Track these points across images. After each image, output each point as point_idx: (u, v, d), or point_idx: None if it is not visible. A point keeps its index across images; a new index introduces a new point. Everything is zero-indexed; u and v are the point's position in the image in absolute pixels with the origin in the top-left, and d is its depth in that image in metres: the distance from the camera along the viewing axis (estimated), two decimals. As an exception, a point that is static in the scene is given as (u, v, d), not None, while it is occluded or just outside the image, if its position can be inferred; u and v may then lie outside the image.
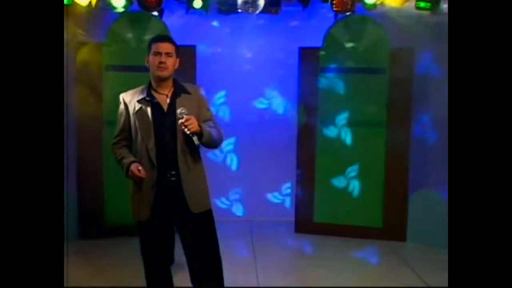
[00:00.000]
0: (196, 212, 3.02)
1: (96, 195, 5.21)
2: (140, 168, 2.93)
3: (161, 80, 3.01)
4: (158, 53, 2.97)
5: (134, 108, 3.01)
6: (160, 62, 2.96)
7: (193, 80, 4.97)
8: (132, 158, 3.00)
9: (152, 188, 2.98)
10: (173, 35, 4.79)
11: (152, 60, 2.98)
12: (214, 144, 3.09)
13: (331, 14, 5.25)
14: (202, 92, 3.14)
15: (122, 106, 3.09)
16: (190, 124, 2.88)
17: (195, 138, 2.88)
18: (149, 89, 3.06)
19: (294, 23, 5.57)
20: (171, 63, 3.00)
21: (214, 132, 3.03)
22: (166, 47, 3.00)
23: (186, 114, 2.91)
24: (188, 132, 2.88)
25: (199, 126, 2.92)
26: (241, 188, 5.93)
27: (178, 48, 3.08)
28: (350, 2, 5.11)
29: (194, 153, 3.04)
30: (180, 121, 2.89)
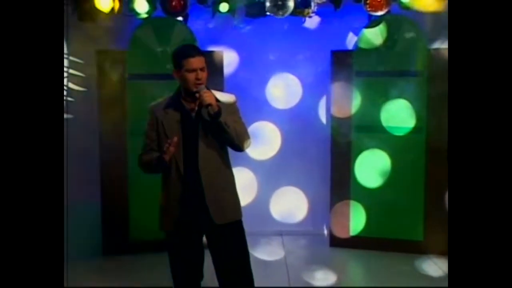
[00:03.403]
0: (220, 224, 2.97)
1: (120, 208, 5.11)
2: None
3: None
4: (193, 70, 2.94)
5: (164, 119, 3.00)
6: (197, 79, 2.94)
7: (220, 86, 4.87)
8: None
9: (178, 198, 2.96)
10: (199, 40, 4.94)
11: (187, 77, 2.94)
12: (234, 133, 2.94)
13: (365, 15, 5.06)
14: (233, 100, 3.09)
15: (151, 117, 3.07)
16: (206, 96, 2.87)
17: (210, 108, 2.84)
18: (178, 98, 3.03)
19: (326, 25, 5.37)
20: (205, 76, 2.98)
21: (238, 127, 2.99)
22: (199, 62, 2.96)
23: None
24: (204, 104, 2.86)
25: (218, 107, 2.88)
26: (271, 199, 5.75)
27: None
28: (384, 2, 4.90)
29: (221, 160, 3.01)
30: (196, 94, 2.90)
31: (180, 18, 5.04)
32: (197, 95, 2.93)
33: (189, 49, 3.05)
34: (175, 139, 2.88)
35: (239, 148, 3.04)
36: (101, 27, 4.88)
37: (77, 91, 5.11)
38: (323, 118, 5.56)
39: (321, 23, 5.31)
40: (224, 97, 3.08)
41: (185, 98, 3.02)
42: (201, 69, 2.96)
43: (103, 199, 5.09)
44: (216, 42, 5.19)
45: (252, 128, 3.38)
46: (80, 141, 4.82)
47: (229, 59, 5.35)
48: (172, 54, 3.06)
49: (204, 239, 3.12)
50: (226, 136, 2.94)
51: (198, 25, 5.17)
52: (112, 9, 4.80)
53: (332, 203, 5.27)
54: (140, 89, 4.93)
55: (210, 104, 2.88)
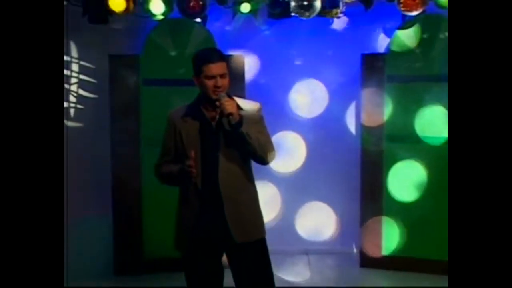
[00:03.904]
0: (241, 242, 2.91)
1: (134, 224, 4.96)
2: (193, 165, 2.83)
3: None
4: (212, 77, 2.87)
5: (182, 128, 2.96)
6: (216, 87, 2.86)
7: (242, 92, 4.73)
8: (182, 165, 2.89)
9: (196, 214, 2.92)
10: (219, 43, 4.80)
11: (206, 84, 2.88)
12: (256, 144, 2.87)
13: (398, 15, 4.85)
14: (257, 108, 3.02)
15: (169, 125, 3.02)
16: (228, 105, 2.80)
17: (231, 118, 2.79)
18: (198, 105, 2.97)
19: (355, 26, 5.17)
20: (226, 83, 2.91)
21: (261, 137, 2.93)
22: (219, 68, 2.88)
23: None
24: (225, 113, 2.80)
25: (240, 116, 2.82)
26: (296, 215, 5.57)
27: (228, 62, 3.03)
28: (420, 1, 4.65)
29: (242, 174, 2.95)
30: (217, 102, 2.84)
31: (198, 20, 4.93)
32: (217, 103, 2.85)
33: (209, 54, 2.96)
34: (192, 154, 2.82)
35: (263, 161, 2.96)
36: (114, 29, 4.82)
37: (88, 98, 5.05)
38: (352, 127, 5.39)
39: (350, 24, 5.19)
40: (248, 104, 2.99)
41: (205, 106, 2.95)
42: (222, 76, 2.88)
43: (115, 214, 4.94)
44: (236, 45, 5.08)
45: (275, 138, 3.15)
46: (90, 152, 4.83)
47: (251, 63, 5.24)
48: (192, 58, 2.99)
49: (224, 257, 3.06)
50: (249, 147, 2.87)
51: (218, 27, 5.06)
52: (126, 10, 4.68)
53: (363, 219, 5.08)
54: (155, 96, 4.85)
55: (231, 114, 2.81)
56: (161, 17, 4.82)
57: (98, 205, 4.88)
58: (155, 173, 3.07)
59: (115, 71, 4.86)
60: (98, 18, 4.65)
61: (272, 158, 2.99)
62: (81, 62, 4.98)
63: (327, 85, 5.42)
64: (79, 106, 5.01)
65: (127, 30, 4.94)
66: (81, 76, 5.01)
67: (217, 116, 2.92)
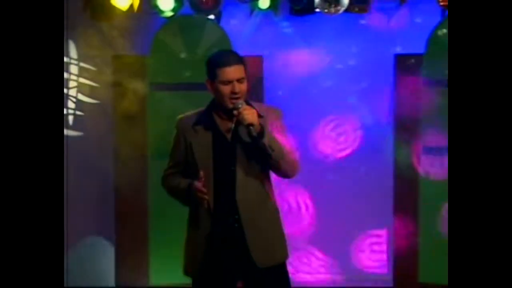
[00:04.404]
0: (264, 267, 2.78)
1: (139, 247, 4.81)
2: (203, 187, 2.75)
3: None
4: (228, 82, 2.74)
5: (192, 138, 2.85)
6: (233, 93, 2.73)
7: (260, 97, 4.63)
8: (191, 180, 2.81)
9: (208, 237, 2.80)
10: (234, 43, 4.66)
11: (222, 90, 2.75)
12: (280, 157, 2.74)
13: (438, 11, 4.71)
14: (279, 114, 2.89)
15: (177, 133, 2.91)
16: (247, 114, 2.67)
17: (252, 128, 2.65)
18: (211, 113, 2.84)
19: (388, 24, 4.97)
20: (244, 89, 2.78)
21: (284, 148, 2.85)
22: (237, 72, 2.74)
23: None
24: (244, 123, 2.67)
25: (261, 126, 2.71)
26: (321, 238, 5.30)
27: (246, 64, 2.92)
28: None
29: (263, 190, 2.83)
30: (234, 111, 2.70)
31: (211, 17, 4.80)
32: (235, 112, 2.71)
33: (225, 56, 2.84)
34: (201, 174, 2.70)
35: (286, 175, 2.85)
36: (118, 27, 4.74)
37: (89, 103, 4.91)
38: (384, 136, 4.99)
39: (383, 21, 4.96)
40: (268, 111, 2.87)
41: (219, 114, 2.81)
42: (239, 81, 2.74)
43: (118, 235, 4.81)
44: (254, 45, 4.89)
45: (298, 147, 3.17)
46: (91, 164, 4.69)
47: (270, 65, 4.97)
48: (206, 61, 2.87)
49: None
50: (271, 161, 2.75)
51: (233, 25, 4.93)
52: (131, 6, 4.61)
53: (397, 244, 4.87)
54: (164, 102, 4.72)
55: (251, 124, 2.67)
56: (170, 13, 4.74)
57: (99, 225, 4.79)
58: (162, 183, 2.98)
59: (119, 74, 4.74)
60: (100, 14, 4.56)
61: (297, 172, 2.86)
62: (81, 64, 4.84)
63: (356, 88, 5.15)
64: (78, 112, 4.90)
65: (132, 29, 4.82)
66: (81, 80, 4.87)
67: (233, 126, 2.78)
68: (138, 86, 4.72)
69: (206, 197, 2.70)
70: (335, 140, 5.30)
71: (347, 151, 5.28)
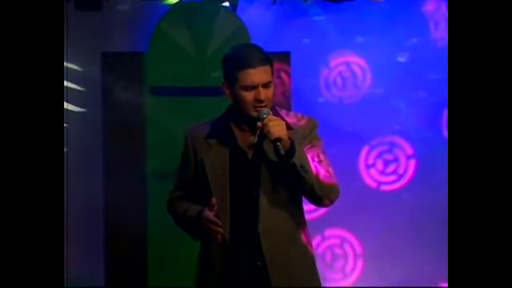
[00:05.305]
0: None
1: (135, 284, 4.58)
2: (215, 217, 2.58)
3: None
4: (252, 87, 2.53)
5: (205, 155, 2.67)
6: (258, 100, 2.52)
7: (287, 100, 4.46)
8: (202, 208, 2.67)
9: (221, 277, 2.59)
10: (254, 36, 4.38)
11: (243, 96, 2.54)
12: (314, 179, 2.54)
13: None
14: (313, 125, 2.67)
15: (186, 146, 2.72)
16: (274, 126, 2.44)
17: (279, 145, 2.44)
18: (228, 123, 2.67)
19: (440, 10, 4.64)
20: (271, 95, 2.57)
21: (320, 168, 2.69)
22: (262, 75, 2.52)
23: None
24: (270, 138, 2.47)
25: (291, 142, 2.52)
26: (369, 283, 4.85)
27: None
28: None
29: (294, 222, 2.63)
30: (258, 123, 2.50)
31: (226, 4, 4.52)
32: (259, 124, 2.51)
33: (248, 54, 2.60)
34: (214, 202, 2.55)
35: (321, 202, 2.64)
36: (109, 18, 4.51)
37: (73, 112, 4.59)
38: (439, 149, 4.47)
39: (431, 8, 4.70)
40: (299, 121, 2.71)
41: (238, 124, 2.64)
42: (265, 85, 2.53)
43: (108, 269, 4.50)
44: (278, 38, 4.55)
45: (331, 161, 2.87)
46: (79, 184, 4.34)
47: (298, 63, 4.66)
48: (222, 59, 2.69)
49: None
50: (303, 185, 2.54)
51: (252, 13, 4.59)
52: None
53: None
54: (165, 109, 4.43)
55: (279, 139, 2.46)
56: (174, 0, 4.51)
57: (86, 258, 4.42)
58: (167, 209, 2.82)
59: (110, 76, 4.50)
60: (88, 3, 4.35)
61: (336, 197, 2.62)
62: (65, 63, 4.35)
63: (402, 88, 4.78)
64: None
65: (127, 19, 4.57)
66: (65, 83, 4.42)
67: (255, 140, 2.55)
68: (134, 90, 4.49)
69: (220, 229, 2.51)
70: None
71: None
